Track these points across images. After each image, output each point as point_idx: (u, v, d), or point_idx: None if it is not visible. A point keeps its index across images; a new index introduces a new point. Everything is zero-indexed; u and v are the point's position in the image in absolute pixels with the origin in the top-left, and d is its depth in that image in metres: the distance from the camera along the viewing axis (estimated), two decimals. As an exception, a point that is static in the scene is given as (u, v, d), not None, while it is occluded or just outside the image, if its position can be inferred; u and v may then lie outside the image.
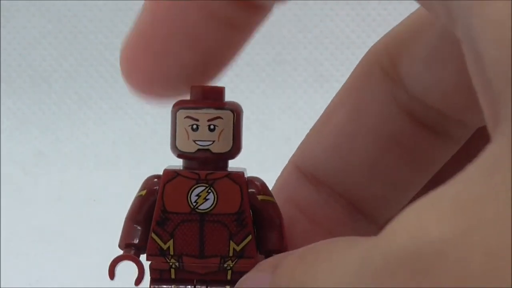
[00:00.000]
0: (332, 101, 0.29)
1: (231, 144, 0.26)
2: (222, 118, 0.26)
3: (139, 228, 0.26)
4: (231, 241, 0.25)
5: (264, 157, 0.57)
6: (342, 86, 0.29)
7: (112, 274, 0.25)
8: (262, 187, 0.26)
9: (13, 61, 0.64)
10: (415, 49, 0.27)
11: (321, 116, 0.30)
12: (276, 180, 0.30)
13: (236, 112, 0.27)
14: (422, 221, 0.15)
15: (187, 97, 0.27)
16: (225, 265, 0.25)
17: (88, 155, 0.61)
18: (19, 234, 0.47)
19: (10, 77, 0.64)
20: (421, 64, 0.27)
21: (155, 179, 0.26)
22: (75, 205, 0.53)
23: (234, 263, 0.25)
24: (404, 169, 0.29)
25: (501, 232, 0.14)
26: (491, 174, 0.15)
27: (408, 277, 0.15)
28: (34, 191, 0.56)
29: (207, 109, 0.26)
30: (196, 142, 0.26)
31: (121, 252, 0.26)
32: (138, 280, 0.25)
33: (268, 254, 0.26)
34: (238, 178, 0.26)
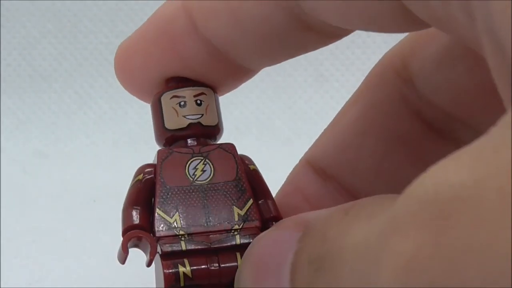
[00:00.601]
0: (347, 100, 0.30)
1: (217, 120, 0.27)
2: (206, 94, 0.27)
3: (140, 211, 0.26)
4: (234, 207, 0.26)
5: (264, 157, 0.57)
6: (358, 86, 0.30)
7: (126, 252, 0.25)
8: (250, 158, 0.28)
9: (13, 61, 0.64)
10: (426, 51, 0.28)
11: (336, 115, 0.30)
12: (288, 175, 0.31)
13: (215, 91, 0.28)
14: (444, 170, 0.16)
15: None
16: (232, 230, 0.26)
17: (88, 155, 0.61)
18: (19, 234, 0.47)
19: (10, 77, 0.64)
20: (431, 64, 0.27)
21: (148, 166, 0.27)
22: (75, 205, 0.53)
23: (241, 227, 0.26)
24: (410, 169, 0.29)
25: None
26: (510, 129, 0.15)
27: (427, 219, 0.16)
28: (34, 191, 0.56)
29: (191, 86, 0.27)
30: (186, 117, 0.27)
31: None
32: (151, 259, 0.25)
33: (265, 224, 0.26)
34: (230, 147, 0.27)
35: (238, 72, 0.28)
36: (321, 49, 0.68)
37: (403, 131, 0.29)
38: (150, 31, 0.27)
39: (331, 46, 0.71)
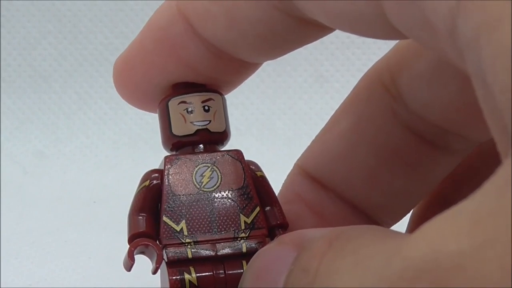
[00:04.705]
0: (336, 110, 0.30)
1: (225, 126, 0.27)
2: (213, 100, 0.27)
3: (146, 218, 0.26)
4: (241, 215, 0.26)
5: (264, 157, 0.57)
6: (346, 97, 0.30)
7: (132, 260, 0.25)
8: (257, 164, 0.27)
9: (13, 61, 0.64)
10: (415, 66, 0.28)
11: (326, 124, 0.30)
12: (284, 181, 0.31)
13: (223, 96, 0.28)
14: (442, 234, 0.16)
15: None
16: (239, 238, 0.25)
17: (88, 155, 0.61)
18: (19, 234, 0.47)
19: (10, 77, 0.64)
20: (421, 81, 0.27)
21: (154, 172, 0.27)
22: (75, 205, 0.53)
23: (248, 235, 0.25)
24: (404, 180, 0.29)
25: None
26: (506, 190, 0.15)
27: (426, 287, 0.16)
28: (34, 191, 0.56)
29: (199, 92, 0.27)
30: (194, 123, 0.27)
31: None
32: (157, 266, 0.25)
33: (272, 230, 0.26)
34: (237, 154, 0.27)
35: (242, 67, 0.28)
36: (321, 49, 0.68)
37: (395, 143, 0.29)
38: (148, 40, 0.27)
39: (331, 46, 0.70)
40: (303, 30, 0.25)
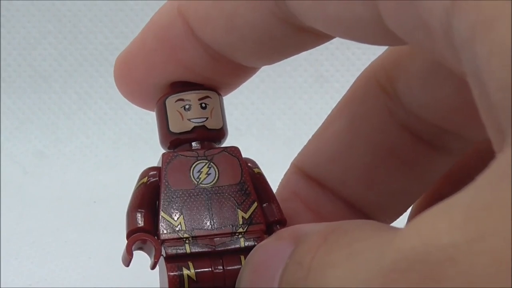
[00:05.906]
0: (332, 110, 0.30)
1: (222, 123, 0.27)
2: (210, 98, 0.27)
3: (145, 214, 0.26)
4: (238, 210, 0.26)
5: (264, 157, 0.57)
6: (343, 96, 0.30)
7: (130, 255, 0.25)
8: (254, 162, 0.28)
9: (13, 61, 0.64)
10: (411, 66, 0.28)
11: (322, 123, 0.30)
12: (281, 180, 0.31)
13: (220, 95, 0.28)
14: (435, 226, 0.16)
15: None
16: (237, 233, 0.26)
17: (88, 155, 0.61)
18: (19, 234, 0.47)
19: (10, 77, 0.64)
20: (417, 81, 0.27)
21: (152, 169, 0.27)
22: (75, 205, 0.53)
23: (246, 230, 0.26)
24: (401, 179, 0.29)
25: (508, 239, 0.15)
26: (500, 183, 0.15)
27: (418, 280, 0.16)
28: (34, 191, 0.56)
29: (196, 90, 0.27)
30: (191, 120, 0.27)
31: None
32: (156, 261, 0.25)
33: (270, 227, 0.26)
34: (235, 151, 0.27)
35: (240, 71, 0.28)
36: (321, 49, 0.68)
37: (392, 143, 0.29)
38: (148, 40, 0.27)
39: (331, 46, 0.70)
40: (301, 37, 0.26)
